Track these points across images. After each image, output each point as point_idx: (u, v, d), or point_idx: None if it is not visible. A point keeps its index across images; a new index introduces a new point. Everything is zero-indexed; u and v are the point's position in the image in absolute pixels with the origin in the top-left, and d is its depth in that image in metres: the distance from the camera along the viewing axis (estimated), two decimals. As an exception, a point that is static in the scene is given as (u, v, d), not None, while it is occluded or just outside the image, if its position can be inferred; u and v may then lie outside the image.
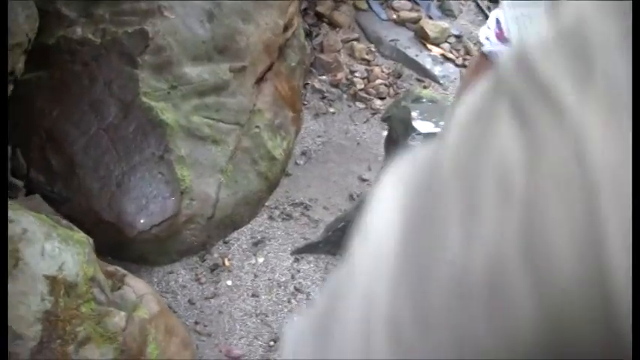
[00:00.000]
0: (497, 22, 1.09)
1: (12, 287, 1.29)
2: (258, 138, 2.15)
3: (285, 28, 2.24)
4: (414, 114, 2.07)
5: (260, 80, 2.19)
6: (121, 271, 1.71)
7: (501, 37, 1.09)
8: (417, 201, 0.26)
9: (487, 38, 1.14)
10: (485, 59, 1.25)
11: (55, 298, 1.37)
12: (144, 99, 2.02)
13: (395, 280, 0.26)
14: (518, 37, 1.01)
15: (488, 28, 1.12)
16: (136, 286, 1.66)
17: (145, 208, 1.97)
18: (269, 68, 2.21)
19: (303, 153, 2.32)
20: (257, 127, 2.16)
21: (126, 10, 2.07)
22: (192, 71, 2.09)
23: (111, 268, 1.65)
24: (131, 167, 1.99)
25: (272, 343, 1.91)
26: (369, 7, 2.72)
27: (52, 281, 1.38)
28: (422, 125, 2.05)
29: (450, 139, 0.26)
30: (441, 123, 2.09)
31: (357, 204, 2.06)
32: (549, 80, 0.24)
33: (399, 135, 2.08)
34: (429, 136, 2.03)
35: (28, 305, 1.33)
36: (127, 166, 1.99)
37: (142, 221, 1.96)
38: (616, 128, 0.22)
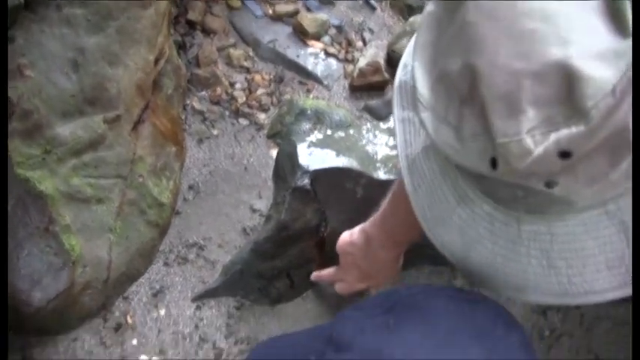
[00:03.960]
0: None
1: None
2: (143, 187, 2.17)
3: (157, 61, 2.19)
4: (300, 149, 2.05)
5: (137, 124, 2.17)
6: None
7: None
8: None
9: None
10: None
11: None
12: (19, 170, 2.01)
13: None
14: (400, 138, 1.08)
15: None
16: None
17: (38, 283, 2.01)
18: (145, 108, 2.18)
19: (191, 187, 2.34)
20: (140, 175, 2.17)
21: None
22: (65, 130, 2.07)
23: None
24: (17, 244, 2.01)
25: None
26: (243, 3, 2.63)
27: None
28: (309, 161, 2.04)
29: None
30: (331, 152, 2.10)
31: (251, 244, 2.11)
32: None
33: (286, 173, 2.09)
34: (317, 172, 2.01)
35: None
36: (13, 244, 2.00)
37: (37, 298, 2.00)
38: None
